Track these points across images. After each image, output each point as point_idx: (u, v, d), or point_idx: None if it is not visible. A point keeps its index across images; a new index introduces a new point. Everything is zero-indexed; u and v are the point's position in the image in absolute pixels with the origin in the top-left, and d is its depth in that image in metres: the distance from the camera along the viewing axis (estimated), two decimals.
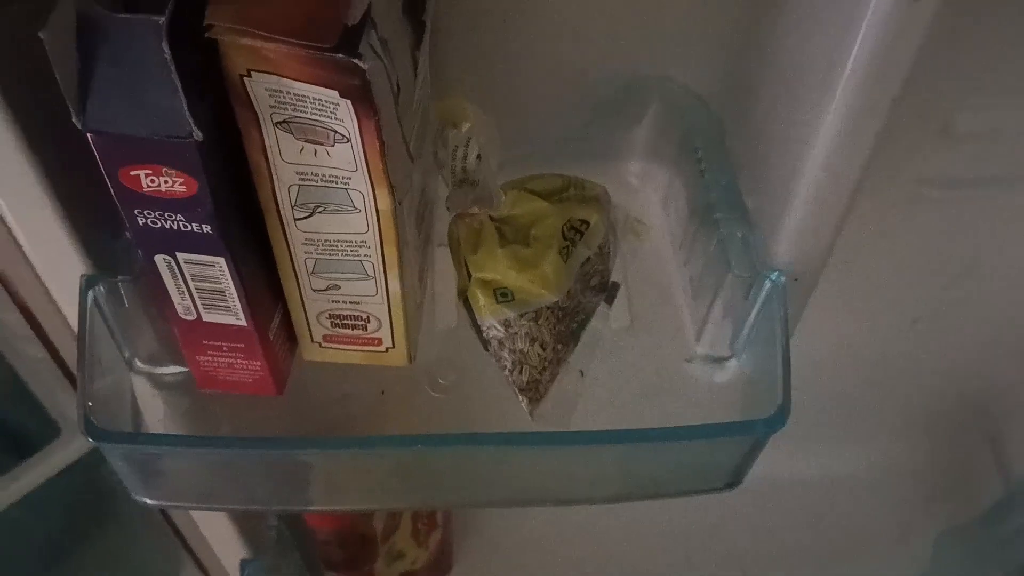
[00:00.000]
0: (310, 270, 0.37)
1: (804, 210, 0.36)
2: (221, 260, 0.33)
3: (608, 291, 0.46)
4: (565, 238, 0.40)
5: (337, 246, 0.35)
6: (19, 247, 0.37)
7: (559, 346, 0.41)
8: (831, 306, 0.64)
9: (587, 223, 0.41)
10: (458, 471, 0.37)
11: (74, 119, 0.28)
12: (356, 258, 0.36)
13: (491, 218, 0.40)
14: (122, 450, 0.33)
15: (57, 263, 0.36)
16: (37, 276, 0.39)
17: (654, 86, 0.44)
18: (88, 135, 0.29)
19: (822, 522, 0.77)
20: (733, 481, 0.38)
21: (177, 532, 0.72)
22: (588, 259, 0.41)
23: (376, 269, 0.36)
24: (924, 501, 0.78)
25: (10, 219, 0.35)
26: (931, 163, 0.51)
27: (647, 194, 0.48)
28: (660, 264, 0.47)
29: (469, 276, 0.40)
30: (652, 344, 0.45)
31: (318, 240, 0.35)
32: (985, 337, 0.67)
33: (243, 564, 0.60)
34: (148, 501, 0.36)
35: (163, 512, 0.70)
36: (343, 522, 0.59)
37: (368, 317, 0.39)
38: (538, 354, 0.40)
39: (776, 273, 0.38)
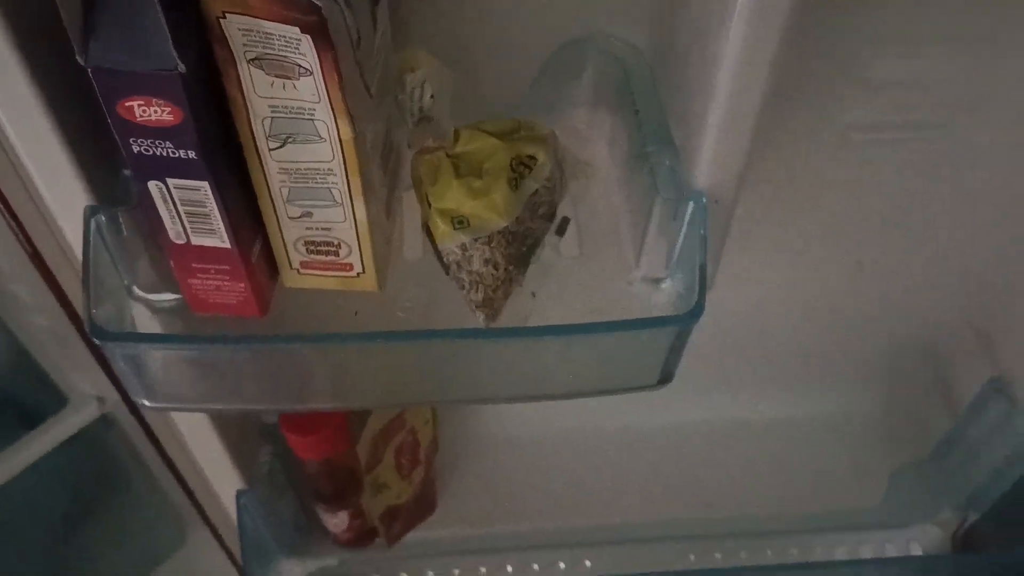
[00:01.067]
0: (285, 198, 0.42)
1: (716, 138, 0.41)
2: (205, 184, 0.39)
3: (559, 224, 0.51)
4: (514, 171, 0.45)
5: (308, 174, 0.40)
6: (28, 182, 0.42)
7: (511, 267, 0.46)
8: (784, 251, 0.69)
9: (535, 159, 0.46)
10: (419, 369, 0.42)
11: (78, 56, 0.34)
12: (325, 185, 0.41)
13: (448, 155, 0.45)
14: (123, 349, 0.38)
15: (63, 196, 0.41)
16: (43, 213, 0.44)
17: (594, 40, 0.49)
18: (90, 70, 0.34)
19: (782, 460, 0.82)
20: (664, 378, 0.43)
21: (179, 478, 0.77)
22: (536, 191, 0.46)
23: (343, 195, 0.41)
24: (878, 440, 0.83)
25: (22, 156, 0.40)
26: (855, 110, 0.56)
27: (594, 140, 0.53)
28: (607, 201, 0.52)
29: (430, 207, 0.45)
30: (598, 270, 0.50)
31: (291, 169, 0.40)
32: (925, 279, 0.72)
33: (239, 494, 0.65)
34: (147, 403, 0.41)
35: (164, 456, 0.76)
36: (330, 455, 0.64)
37: (339, 243, 0.44)
38: (492, 274, 0.45)
39: (697, 194, 0.43)
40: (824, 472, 0.81)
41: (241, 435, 0.65)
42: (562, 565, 0.77)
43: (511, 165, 0.45)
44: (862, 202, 0.65)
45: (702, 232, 0.42)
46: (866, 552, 0.78)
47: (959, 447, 0.77)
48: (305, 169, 0.40)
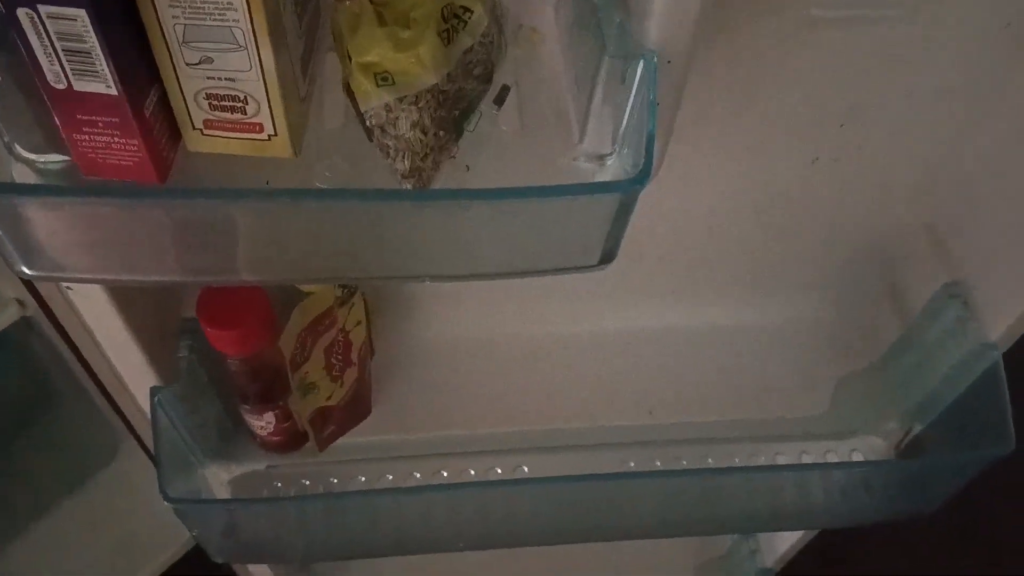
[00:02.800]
0: (181, 38, 0.37)
1: None
2: (82, 13, 0.33)
3: (498, 93, 0.46)
4: (445, 21, 0.40)
5: (204, 8, 0.35)
6: None
7: (440, 132, 0.41)
8: (734, 146, 0.66)
9: (469, 11, 0.41)
10: (332, 239, 0.38)
11: None
12: (225, 23, 0.36)
13: (371, 2, 0.40)
14: None
15: None
16: None
17: None
18: None
19: (727, 368, 0.80)
20: (606, 256, 0.40)
21: (99, 383, 0.72)
22: (471, 48, 0.42)
23: (247, 38, 0.36)
24: (825, 347, 0.81)
25: None
26: None
27: (539, 2, 0.48)
28: (551, 71, 0.48)
29: (350, 61, 0.40)
30: (540, 145, 0.46)
31: (184, 1, 0.35)
32: (880, 177, 0.69)
33: (153, 391, 0.61)
34: (27, 271, 0.36)
35: (83, 361, 0.71)
36: (253, 351, 0.60)
37: (246, 98, 0.39)
38: (420, 139, 0.41)
39: (648, 53, 0.39)
40: (770, 380, 0.80)
41: (158, 330, 0.60)
42: (499, 471, 0.74)
43: (442, 15, 0.40)
44: (821, 92, 0.62)
45: (651, 97, 0.38)
46: (808, 460, 0.77)
47: (908, 355, 0.76)
48: (201, 2, 0.35)
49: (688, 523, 0.74)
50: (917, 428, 0.77)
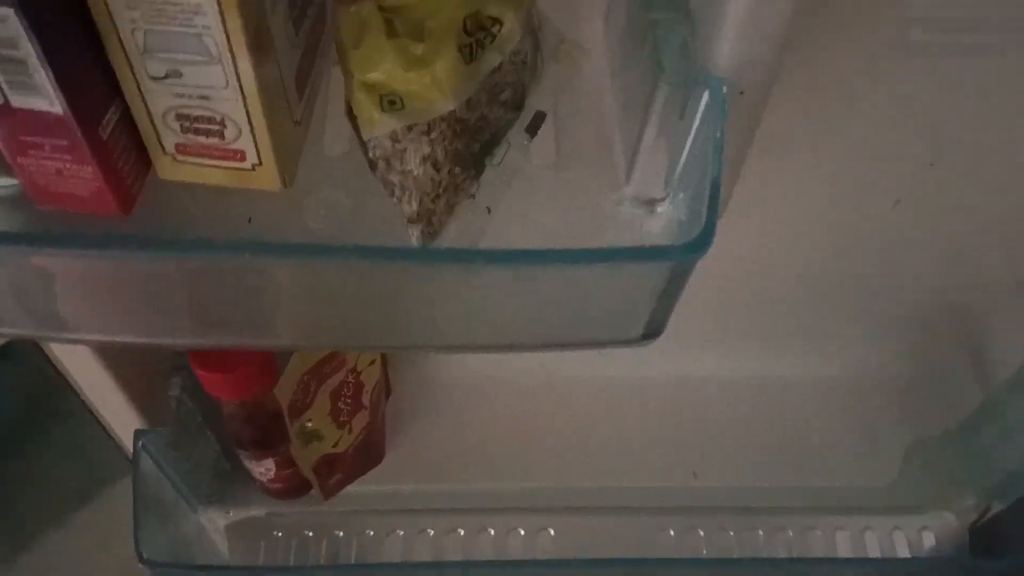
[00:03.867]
0: (141, 46, 0.30)
1: (746, 5, 0.29)
2: (10, 12, 0.27)
3: (532, 120, 0.39)
4: (468, 34, 0.33)
5: (166, 10, 0.28)
6: None
7: (456, 169, 0.34)
8: (808, 180, 0.58)
9: (499, 23, 0.34)
10: (320, 299, 0.31)
11: None
12: (194, 30, 0.29)
13: (380, 7, 0.33)
14: None
15: None
16: None
17: None
18: None
19: (783, 427, 0.71)
20: (651, 331, 0.32)
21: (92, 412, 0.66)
22: (499, 67, 0.34)
23: (221, 48, 0.29)
24: (896, 409, 0.73)
25: None
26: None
27: (587, 12, 0.41)
28: (597, 95, 0.40)
29: (352, 79, 0.34)
30: (579, 184, 0.38)
31: (139, 1, 0.28)
32: (971, 226, 0.60)
33: (137, 434, 0.55)
34: None
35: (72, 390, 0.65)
36: (249, 396, 0.54)
37: (223, 120, 0.32)
38: (431, 177, 0.34)
39: (716, 81, 0.31)
40: (831, 443, 0.71)
41: (143, 367, 0.54)
42: (522, 532, 0.67)
43: (465, 27, 0.33)
44: (910, 125, 0.53)
45: (717, 135, 0.31)
46: (871, 538, 0.68)
47: (990, 427, 0.67)
48: (162, 2, 0.28)
49: None
50: (997, 507, 0.68)
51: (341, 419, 0.60)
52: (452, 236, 0.36)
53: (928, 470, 0.70)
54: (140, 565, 0.52)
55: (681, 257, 0.28)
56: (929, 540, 0.69)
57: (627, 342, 0.33)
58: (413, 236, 0.35)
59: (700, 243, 0.29)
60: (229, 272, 0.31)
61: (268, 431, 0.57)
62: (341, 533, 0.66)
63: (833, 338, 0.70)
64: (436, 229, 0.35)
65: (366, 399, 0.63)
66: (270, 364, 0.53)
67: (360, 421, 0.63)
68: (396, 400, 0.71)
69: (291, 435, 0.56)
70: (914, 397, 0.72)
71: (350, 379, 0.60)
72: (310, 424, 0.57)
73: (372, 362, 0.62)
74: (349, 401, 0.61)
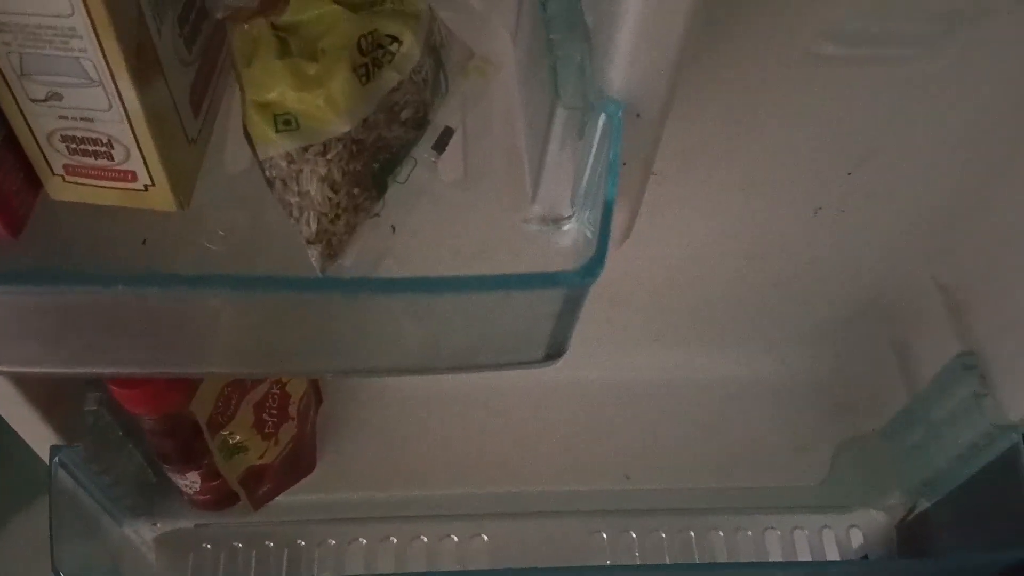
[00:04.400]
0: (18, 69, 0.29)
1: (638, 21, 0.29)
2: None
3: (440, 137, 0.39)
4: (363, 53, 0.32)
5: (41, 34, 0.28)
6: None
7: (355, 190, 0.34)
8: (729, 188, 0.58)
9: (398, 41, 0.33)
10: (216, 328, 0.31)
11: None
12: (70, 54, 0.28)
13: (273, 26, 0.32)
14: None
15: None
16: None
17: None
18: None
19: (714, 428, 0.72)
20: (552, 352, 0.32)
21: None
22: (398, 86, 0.34)
23: (100, 71, 0.29)
24: (824, 409, 0.74)
25: None
26: (830, 11, 0.45)
27: (495, 25, 0.40)
28: (507, 110, 0.40)
29: (246, 99, 0.33)
30: (487, 201, 0.38)
31: (11, 24, 0.27)
32: (892, 230, 0.61)
33: (53, 450, 0.54)
34: None
35: None
36: (160, 409, 0.53)
37: (109, 141, 0.31)
38: (328, 198, 0.33)
39: (612, 104, 0.31)
40: (761, 444, 0.72)
41: (53, 384, 0.53)
42: (455, 539, 0.67)
43: (360, 47, 0.32)
44: (828, 134, 0.54)
45: (611, 157, 0.31)
46: (800, 538, 0.69)
47: (916, 426, 0.68)
48: (35, 26, 0.27)
49: None
50: (923, 504, 0.69)
51: (266, 431, 0.60)
52: (355, 255, 0.35)
53: (857, 469, 0.71)
54: None
55: (573, 284, 0.28)
56: (857, 538, 0.70)
57: (530, 363, 0.33)
58: (312, 258, 0.34)
59: (591, 269, 0.28)
60: (121, 302, 0.30)
61: (189, 445, 0.56)
62: (271, 544, 0.65)
63: (761, 340, 0.71)
64: (336, 250, 0.34)
65: (293, 410, 0.62)
66: (184, 378, 0.52)
67: (287, 432, 0.62)
68: (327, 408, 0.71)
69: (213, 449, 0.56)
70: (842, 397, 0.74)
71: (275, 391, 0.59)
72: (233, 437, 0.57)
73: None
74: (275, 413, 0.60)
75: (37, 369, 0.36)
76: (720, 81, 0.48)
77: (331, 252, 0.34)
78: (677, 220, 0.60)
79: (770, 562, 0.65)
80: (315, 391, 0.68)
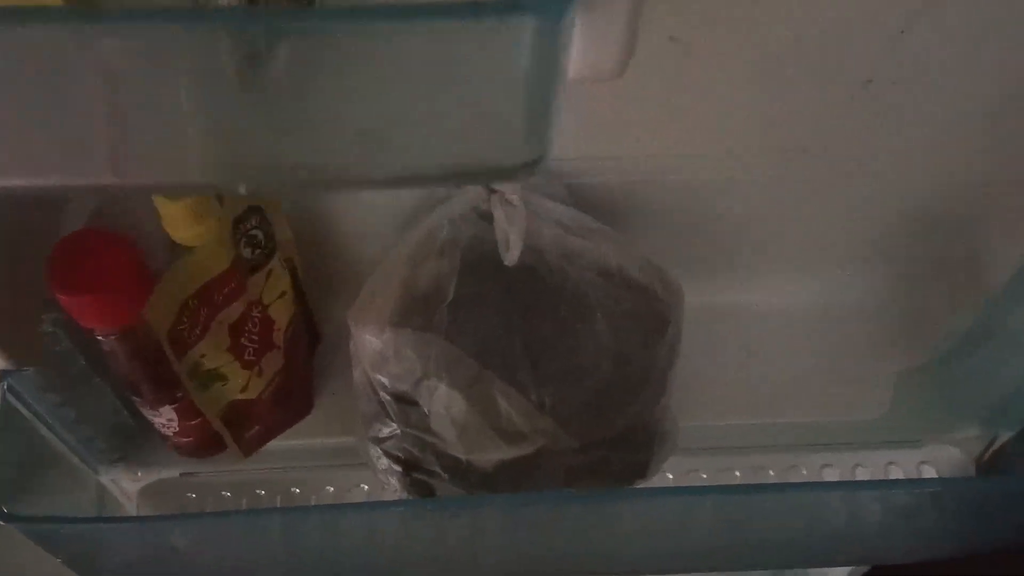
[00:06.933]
0: None
1: None
2: None
3: None
4: None
5: None
6: None
7: None
8: (763, 59, 0.50)
9: None
10: None
11: None
12: None
13: None
14: None
15: None
16: None
17: None
18: None
19: (759, 359, 0.64)
20: (534, 144, 0.25)
21: None
22: None
23: None
24: (882, 337, 0.65)
25: None
26: None
27: None
28: None
29: None
30: None
31: None
32: (958, 114, 0.52)
33: (2, 375, 0.48)
34: None
35: None
36: (120, 323, 0.46)
37: None
38: None
39: None
40: (811, 375, 0.64)
41: (7, 298, 0.47)
42: None
43: None
44: None
45: None
46: (863, 475, 0.61)
47: (989, 345, 0.60)
48: None
49: (706, 556, 0.58)
50: (1004, 435, 0.60)
51: (247, 358, 0.53)
52: None
53: (923, 400, 0.63)
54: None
55: (542, 9, 0.21)
56: (931, 476, 0.61)
57: (510, 168, 0.25)
58: None
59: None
60: None
61: (156, 370, 0.50)
62: (263, 492, 0.59)
63: (801, 258, 0.63)
64: None
65: (278, 338, 0.55)
66: (148, 285, 0.45)
67: (272, 363, 0.56)
68: (326, 349, 0.64)
69: (182, 375, 0.49)
70: (900, 320, 0.65)
71: (255, 313, 0.53)
72: (206, 362, 0.50)
73: (282, 294, 0.55)
74: (255, 339, 0.53)
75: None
76: None
77: None
78: (703, 108, 0.52)
79: (831, 483, 0.57)
80: (309, 325, 0.62)
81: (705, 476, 0.61)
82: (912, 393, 0.63)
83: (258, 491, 0.59)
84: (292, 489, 0.59)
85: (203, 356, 0.50)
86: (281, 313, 0.55)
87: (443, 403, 0.50)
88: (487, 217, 0.52)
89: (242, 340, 0.53)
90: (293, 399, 0.60)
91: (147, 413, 0.55)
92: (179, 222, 0.45)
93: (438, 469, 0.51)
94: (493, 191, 0.52)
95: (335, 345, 0.64)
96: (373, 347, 0.51)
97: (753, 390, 0.63)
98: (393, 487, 0.52)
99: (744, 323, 0.64)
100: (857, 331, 0.64)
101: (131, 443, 0.59)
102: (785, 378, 0.63)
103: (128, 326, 0.47)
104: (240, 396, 0.55)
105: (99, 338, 0.48)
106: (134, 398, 0.53)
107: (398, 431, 0.51)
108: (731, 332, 0.64)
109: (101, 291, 0.44)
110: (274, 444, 0.60)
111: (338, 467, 0.60)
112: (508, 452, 0.51)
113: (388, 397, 0.51)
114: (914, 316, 0.64)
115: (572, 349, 0.51)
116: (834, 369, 0.64)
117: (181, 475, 0.60)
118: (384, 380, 0.51)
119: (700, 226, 0.60)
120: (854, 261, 0.63)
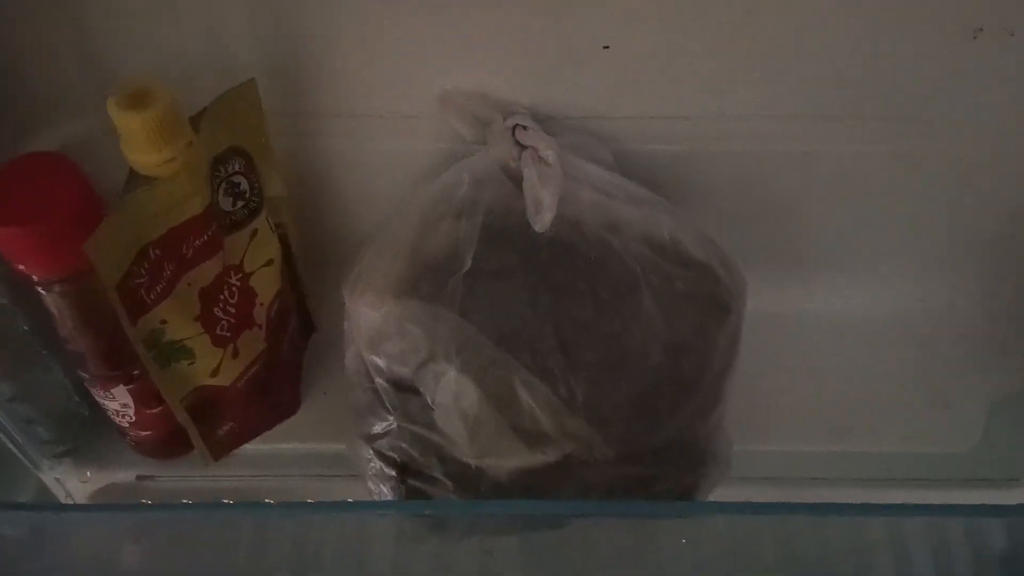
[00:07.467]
0: None
1: None
2: None
3: None
4: None
5: None
6: None
7: None
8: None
9: None
10: None
11: None
12: None
13: None
14: None
15: None
16: None
17: None
18: None
19: (831, 378, 0.54)
20: None
21: None
22: None
23: None
24: (974, 357, 0.55)
25: None
26: None
27: None
28: None
29: None
30: None
31: None
32: None
33: None
34: None
35: None
36: (61, 266, 0.38)
37: None
38: None
39: None
40: (891, 398, 0.54)
41: None
42: None
43: None
44: None
45: None
46: None
47: None
48: None
49: None
50: None
51: (219, 332, 0.44)
52: None
53: (1022, 431, 0.53)
54: None
55: None
56: None
57: None
58: None
59: None
60: None
61: (107, 337, 0.41)
62: (231, 502, 0.49)
63: (886, 264, 0.54)
64: None
65: (260, 315, 0.47)
66: (85, 214, 0.37)
67: (251, 345, 0.47)
68: (321, 341, 0.55)
69: (136, 342, 0.40)
70: (998, 339, 0.55)
71: (233, 279, 0.44)
72: (166, 328, 0.41)
73: (268, 263, 0.46)
74: (232, 311, 0.45)
75: None
76: None
77: None
78: (772, 67, 0.44)
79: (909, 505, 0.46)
80: (303, 312, 0.53)
81: None
82: (1009, 423, 0.53)
83: (226, 501, 0.50)
84: (266, 501, 0.50)
85: (164, 323, 0.41)
86: (266, 285, 0.46)
87: (451, 392, 0.41)
88: (515, 178, 0.44)
89: (215, 310, 0.44)
90: (276, 394, 0.51)
91: (99, 397, 0.46)
92: (140, 142, 0.36)
93: (440, 475, 0.42)
94: (524, 147, 0.44)
95: (331, 338, 0.55)
96: (371, 322, 0.42)
97: (818, 413, 0.53)
98: (384, 497, 0.43)
99: (810, 333, 0.55)
100: (945, 348, 0.54)
101: (81, 435, 0.50)
102: (857, 400, 0.54)
103: (72, 272, 0.39)
104: (210, 381, 0.45)
105: (39, 291, 0.40)
106: (82, 374, 0.44)
107: (394, 426, 0.42)
108: (794, 343, 0.54)
109: (35, 221, 0.36)
110: (250, 447, 0.51)
111: (326, 478, 0.51)
112: (528, 459, 0.42)
113: (385, 383, 0.42)
114: (1014, 333, 0.54)
115: (612, 335, 0.42)
116: (917, 391, 0.54)
117: (138, 478, 0.51)
118: (381, 362, 0.42)
119: (764, 211, 0.52)
120: (944, 264, 0.54)
